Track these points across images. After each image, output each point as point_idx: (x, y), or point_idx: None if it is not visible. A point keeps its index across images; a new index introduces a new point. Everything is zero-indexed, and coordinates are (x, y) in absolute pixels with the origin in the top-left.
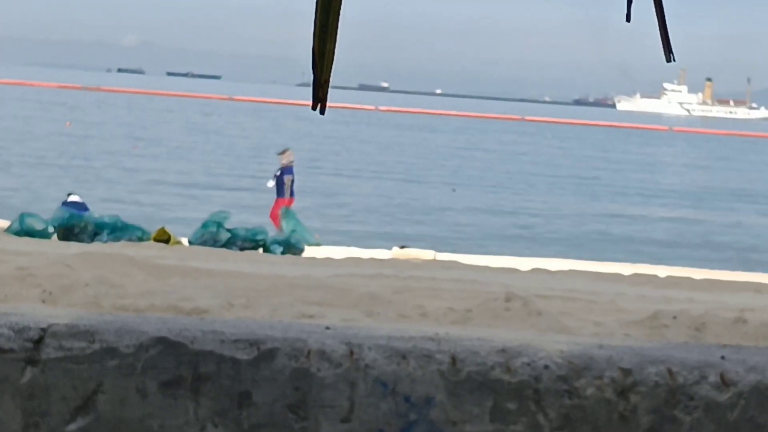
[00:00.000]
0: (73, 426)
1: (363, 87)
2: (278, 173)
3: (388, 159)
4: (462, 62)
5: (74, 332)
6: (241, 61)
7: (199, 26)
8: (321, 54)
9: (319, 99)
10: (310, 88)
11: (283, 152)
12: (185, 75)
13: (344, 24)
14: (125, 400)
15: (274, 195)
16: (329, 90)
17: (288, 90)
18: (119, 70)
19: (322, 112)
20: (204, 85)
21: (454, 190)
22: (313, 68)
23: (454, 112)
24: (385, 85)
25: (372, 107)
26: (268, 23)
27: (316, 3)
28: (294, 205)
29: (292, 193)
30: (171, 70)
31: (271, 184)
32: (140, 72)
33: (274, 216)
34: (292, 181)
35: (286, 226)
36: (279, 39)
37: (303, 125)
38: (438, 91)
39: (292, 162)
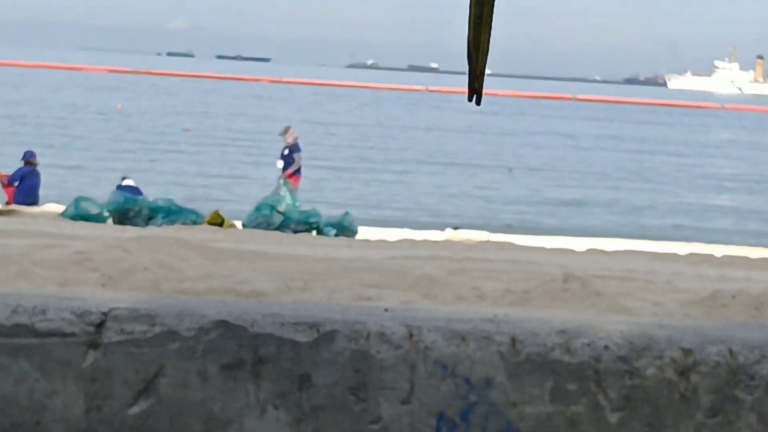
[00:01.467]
0: (135, 409)
1: (412, 68)
2: (285, 152)
3: (439, 139)
4: (511, 42)
5: (135, 316)
6: (290, 43)
7: (248, 9)
8: (476, 46)
9: (475, 90)
10: (359, 70)
11: (285, 131)
12: (234, 58)
13: (395, 5)
14: (186, 382)
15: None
16: (479, 79)
17: (337, 72)
18: (168, 54)
19: (478, 103)
20: (253, 68)
21: (510, 170)
22: (468, 60)
23: (503, 92)
24: (434, 65)
25: (422, 88)
26: (317, 5)
27: None
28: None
29: (299, 171)
30: (220, 54)
31: (280, 164)
32: (190, 55)
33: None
34: (301, 158)
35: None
36: (328, 21)
37: (354, 106)
38: (487, 72)
39: (296, 139)
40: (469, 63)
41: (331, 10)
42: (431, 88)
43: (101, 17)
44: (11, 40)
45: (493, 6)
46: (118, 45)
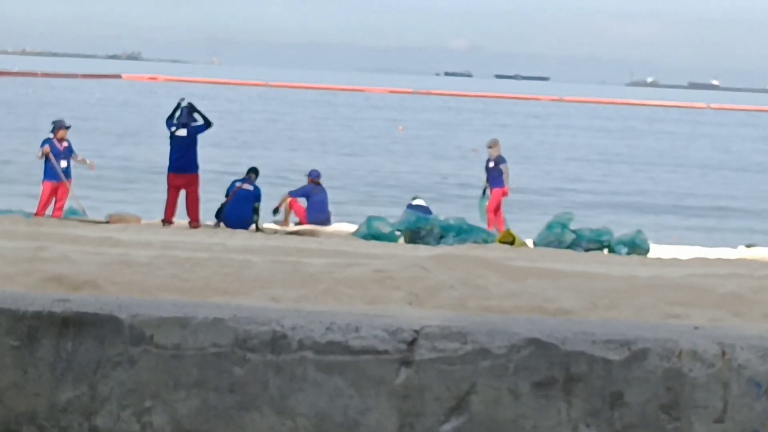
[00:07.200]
0: (447, 426)
1: (693, 85)
2: (491, 164)
3: (723, 157)
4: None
5: (446, 333)
6: (569, 62)
7: (527, 28)
8: None
9: None
10: (639, 88)
11: (492, 144)
12: (513, 77)
13: (676, 22)
14: (498, 400)
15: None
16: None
17: (618, 90)
18: (446, 74)
19: None
20: (532, 87)
21: None
22: None
23: None
24: (715, 83)
25: (703, 105)
26: (595, 24)
27: None
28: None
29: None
30: (499, 73)
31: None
32: (468, 75)
33: (495, 209)
34: (508, 169)
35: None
36: (607, 39)
37: (635, 124)
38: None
39: (500, 151)
40: None
41: (610, 28)
42: (713, 105)
43: (379, 38)
44: (295, 62)
45: None
46: (396, 65)
